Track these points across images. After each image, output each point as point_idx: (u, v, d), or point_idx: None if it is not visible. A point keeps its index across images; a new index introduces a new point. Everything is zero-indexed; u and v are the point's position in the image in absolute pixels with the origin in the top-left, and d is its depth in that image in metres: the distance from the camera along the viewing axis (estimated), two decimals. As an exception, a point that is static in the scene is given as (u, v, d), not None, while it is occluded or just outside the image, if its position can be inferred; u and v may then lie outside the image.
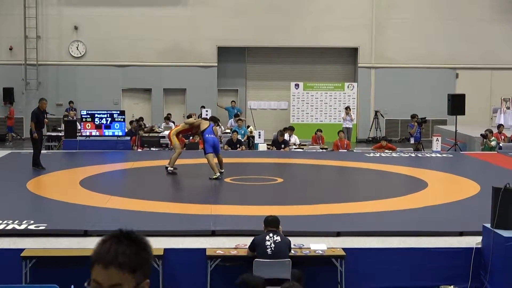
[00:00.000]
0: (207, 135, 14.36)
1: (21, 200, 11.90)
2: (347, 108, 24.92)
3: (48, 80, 27.39)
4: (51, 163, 15.84)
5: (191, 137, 20.13)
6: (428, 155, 18.92)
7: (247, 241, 8.58)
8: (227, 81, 28.23)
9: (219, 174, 14.08)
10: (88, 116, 19.90)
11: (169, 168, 14.81)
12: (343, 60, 28.77)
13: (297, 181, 14.49)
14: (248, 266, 8.33)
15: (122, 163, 17.54)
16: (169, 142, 19.66)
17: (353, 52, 28.45)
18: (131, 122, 22.43)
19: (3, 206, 11.05)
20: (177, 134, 15.30)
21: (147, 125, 23.84)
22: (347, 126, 24.06)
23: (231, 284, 8.70)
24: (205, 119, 15.39)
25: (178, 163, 15.34)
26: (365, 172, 16.12)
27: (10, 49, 27.20)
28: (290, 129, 20.91)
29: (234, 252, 8.66)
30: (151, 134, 22.05)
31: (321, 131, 21.15)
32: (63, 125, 21.68)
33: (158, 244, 8.90)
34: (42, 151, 15.97)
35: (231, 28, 27.42)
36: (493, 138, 20.22)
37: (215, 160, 14.41)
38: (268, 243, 8.23)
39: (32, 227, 9.49)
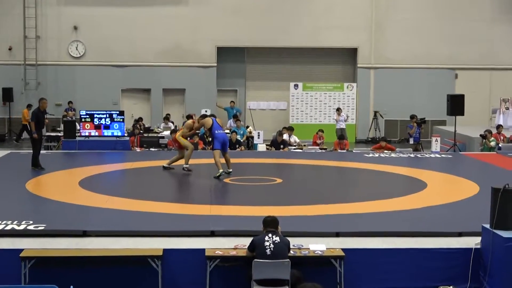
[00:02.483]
0: (216, 131, 14.51)
1: (20, 200, 11.89)
2: (338, 109, 24.89)
3: (48, 80, 27.39)
4: (50, 163, 15.83)
5: (189, 138, 20.09)
6: (427, 156, 18.91)
7: (246, 241, 8.58)
8: (226, 81, 28.23)
9: (222, 171, 14.14)
10: (87, 116, 19.89)
11: (184, 166, 14.96)
12: (343, 61, 28.78)
13: (297, 182, 14.50)
14: (247, 266, 8.34)
15: (121, 164, 17.52)
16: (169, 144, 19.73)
17: (352, 52, 28.46)
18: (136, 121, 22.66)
19: (2, 206, 11.04)
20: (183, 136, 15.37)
21: (146, 125, 23.84)
22: (341, 127, 24.04)
23: (230, 285, 8.71)
24: (205, 116, 15.39)
25: (178, 164, 15.37)
26: (365, 172, 16.12)
27: (10, 49, 27.21)
28: (289, 130, 20.91)
29: (233, 253, 8.66)
30: (150, 134, 22.05)
31: (322, 131, 21.16)
32: (62, 125, 21.67)
33: (157, 244, 8.92)
34: (41, 151, 15.95)
35: (231, 28, 27.43)
36: (492, 138, 20.23)
37: (222, 160, 14.45)
38: (267, 243, 8.23)
39: (31, 227, 9.49)
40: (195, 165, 16.45)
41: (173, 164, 15.50)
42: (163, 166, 15.51)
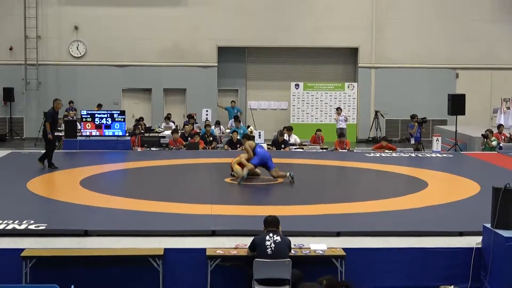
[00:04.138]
0: (258, 149, 14.21)
1: (21, 200, 11.88)
2: (338, 109, 24.92)
3: (48, 80, 27.40)
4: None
5: (189, 138, 20.13)
6: (428, 155, 18.91)
7: (247, 241, 8.58)
8: (227, 81, 28.24)
9: (240, 180, 13.73)
10: (88, 116, 19.89)
11: (243, 174, 13.99)
12: (343, 60, 28.78)
13: (297, 181, 14.45)
14: (248, 266, 8.34)
15: (122, 163, 17.53)
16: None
17: (353, 52, 28.46)
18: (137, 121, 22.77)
19: (3, 206, 11.05)
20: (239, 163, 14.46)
21: (146, 125, 23.85)
22: (341, 126, 24.07)
23: (231, 284, 8.71)
24: (247, 137, 15.16)
25: (178, 163, 15.35)
26: (365, 172, 16.12)
27: (10, 49, 27.22)
28: (288, 129, 20.83)
29: (234, 252, 8.66)
30: (151, 134, 22.05)
31: (320, 130, 21.14)
32: (63, 125, 21.68)
33: (158, 244, 8.92)
34: (42, 151, 16.00)
35: (231, 28, 27.43)
36: (494, 138, 20.21)
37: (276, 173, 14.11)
38: (268, 243, 8.23)
39: (32, 227, 9.50)
40: (196, 165, 16.47)
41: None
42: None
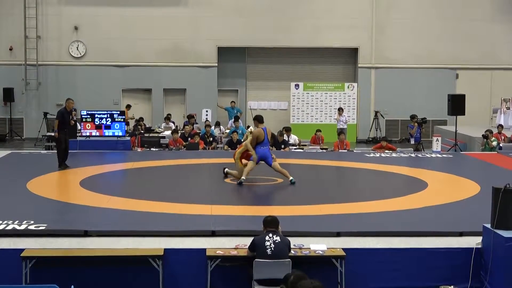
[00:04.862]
0: (259, 149, 13.81)
1: (21, 200, 11.87)
2: (340, 109, 24.93)
3: (48, 80, 27.40)
4: (51, 163, 15.82)
5: (189, 138, 20.13)
6: (428, 156, 18.90)
7: (247, 241, 8.58)
8: (227, 81, 28.24)
9: (243, 178, 13.63)
10: (88, 116, 19.89)
11: (242, 178, 13.71)
12: (343, 60, 28.78)
13: (297, 181, 14.47)
14: (248, 266, 8.34)
15: (122, 163, 17.53)
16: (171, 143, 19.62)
17: (353, 52, 28.46)
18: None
19: (3, 206, 11.04)
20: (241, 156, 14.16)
21: (146, 125, 23.87)
22: (341, 127, 24.07)
23: (231, 284, 8.71)
24: (259, 117, 14.28)
25: (178, 163, 15.33)
26: (365, 172, 16.12)
27: (10, 49, 27.22)
28: (287, 130, 20.78)
29: (234, 253, 8.66)
30: (151, 134, 22.06)
31: (320, 131, 21.13)
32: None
33: (158, 244, 8.92)
34: (42, 151, 15.98)
35: (231, 28, 27.44)
36: (494, 138, 20.22)
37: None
38: (267, 243, 8.23)
39: (32, 227, 9.49)
40: (196, 165, 16.47)
41: (232, 174, 14.36)
42: (225, 170, 14.51)
